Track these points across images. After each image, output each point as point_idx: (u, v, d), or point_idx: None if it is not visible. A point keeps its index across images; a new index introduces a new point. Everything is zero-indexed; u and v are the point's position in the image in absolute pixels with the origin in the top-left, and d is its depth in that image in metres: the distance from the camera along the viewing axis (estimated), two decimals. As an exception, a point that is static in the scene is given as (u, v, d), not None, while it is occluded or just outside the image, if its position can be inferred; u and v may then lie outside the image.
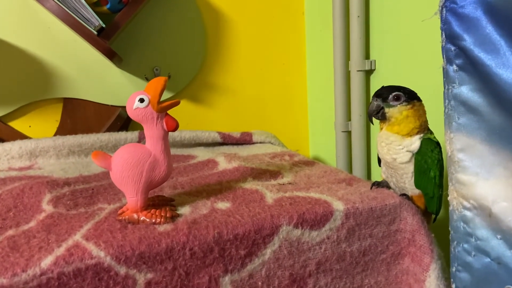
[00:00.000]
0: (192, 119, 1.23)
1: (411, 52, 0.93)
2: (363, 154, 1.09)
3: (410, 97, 0.59)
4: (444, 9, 0.50)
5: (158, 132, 0.53)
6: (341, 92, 1.12)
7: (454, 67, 0.50)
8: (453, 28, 0.49)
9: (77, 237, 0.48)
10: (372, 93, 1.08)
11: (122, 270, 0.46)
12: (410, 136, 0.59)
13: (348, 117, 1.13)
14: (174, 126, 0.53)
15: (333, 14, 1.09)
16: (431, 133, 0.61)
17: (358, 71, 1.04)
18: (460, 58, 0.49)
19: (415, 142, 0.59)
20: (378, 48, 1.03)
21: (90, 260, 0.44)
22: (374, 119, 0.62)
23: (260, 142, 1.10)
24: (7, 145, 0.91)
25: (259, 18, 1.28)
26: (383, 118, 0.61)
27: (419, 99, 0.60)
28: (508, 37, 0.45)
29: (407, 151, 0.59)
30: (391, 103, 0.60)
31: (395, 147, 0.60)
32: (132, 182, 0.52)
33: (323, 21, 1.23)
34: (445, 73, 0.51)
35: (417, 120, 0.59)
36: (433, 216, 0.65)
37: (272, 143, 1.10)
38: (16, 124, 1.07)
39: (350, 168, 1.16)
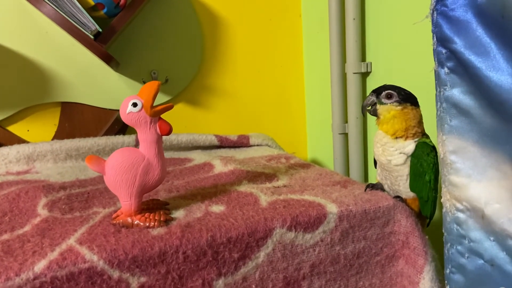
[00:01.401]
0: (190, 122, 1.23)
1: (407, 54, 0.93)
2: (360, 156, 1.09)
3: (404, 99, 0.59)
4: (435, 12, 0.50)
5: (152, 136, 0.53)
6: (338, 94, 1.12)
7: (446, 69, 0.50)
8: (444, 31, 0.49)
9: (71, 241, 0.48)
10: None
11: (115, 274, 0.46)
12: (398, 138, 0.59)
13: (345, 119, 1.13)
14: (168, 130, 0.54)
15: (329, 16, 1.09)
16: (427, 137, 0.61)
17: (354, 73, 1.04)
18: (451, 60, 0.50)
19: (408, 145, 0.59)
20: (374, 50, 1.03)
21: (83, 264, 0.44)
22: (370, 118, 0.63)
23: (257, 145, 1.11)
24: (5, 150, 0.91)
25: (256, 21, 1.29)
26: (374, 114, 0.61)
27: (414, 104, 0.60)
28: (498, 39, 0.45)
29: (401, 153, 0.60)
30: (383, 100, 0.60)
31: (389, 148, 0.60)
32: (126, 186, 0.52)
33: (319, 24, 1.24)
34: (437, 76, 0.51)
35: (404, 122, 0.59)
36: (427, 220, 0.65)
37: (269, 146, 1.10)
38: (15, 128, 1.08)
39: (347, 170, 1.16)
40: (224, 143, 1.08)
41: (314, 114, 1.35)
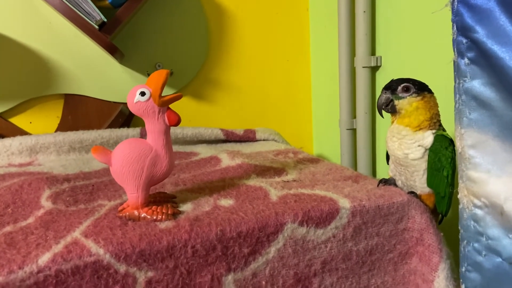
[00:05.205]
0: (195, 116, 1.21)
1: (418, 48, 0.91)
2: (368, 152, 1.07)
3: (420, 88, 0.58)
4: (455, 0, 0.48)
5: (160, 126, 0.52)
6: (346, 89, 1.10)
7: (466, 60, 0.48)
8: (465, 20, 0.47)
9: (76, 234, 0.47)
10: (378, 90, 1.06)
11: (122, 268, 0.44)
12: (421, 129, 0.58)
13: (353, 115, 1.11)
14: (176, 120, 0.52)
15: (338, 9, 1.07)
16: (444, 130, 0.59)
17: (363, 67, 1.02)
18: (472, 51, 0.48)
19: (427, 137, 0.57)
20: (384, 44, 1.01)
21: (89, 257, 0.43)
22: (384, 113, 0.61)
23: (264, 140, 1.09)
24: (7, 141, 0.90)
25: (262, 14, 1.27)
26: (393, 110, 0.59)
27: (430, 91, 0.59)
28: (523, 28, 0.43)
29: (419, 145, 0.58)
30: (400, 94, 0.58)
31: (407, 141, 0.58)
32: (133, 177, 0.50)
33: (327, 17, 1.22)
34: (456, 67, 0.50)
35: (428, 112, 0.57)
36: (440, 217, 0.63)
37: (275, 141, 1.09)
38: (17, 120, 1.06)
39: (355, 166, 1.14)
40: (230, 137, 1.06)
41: (321, 109, 1.33)
